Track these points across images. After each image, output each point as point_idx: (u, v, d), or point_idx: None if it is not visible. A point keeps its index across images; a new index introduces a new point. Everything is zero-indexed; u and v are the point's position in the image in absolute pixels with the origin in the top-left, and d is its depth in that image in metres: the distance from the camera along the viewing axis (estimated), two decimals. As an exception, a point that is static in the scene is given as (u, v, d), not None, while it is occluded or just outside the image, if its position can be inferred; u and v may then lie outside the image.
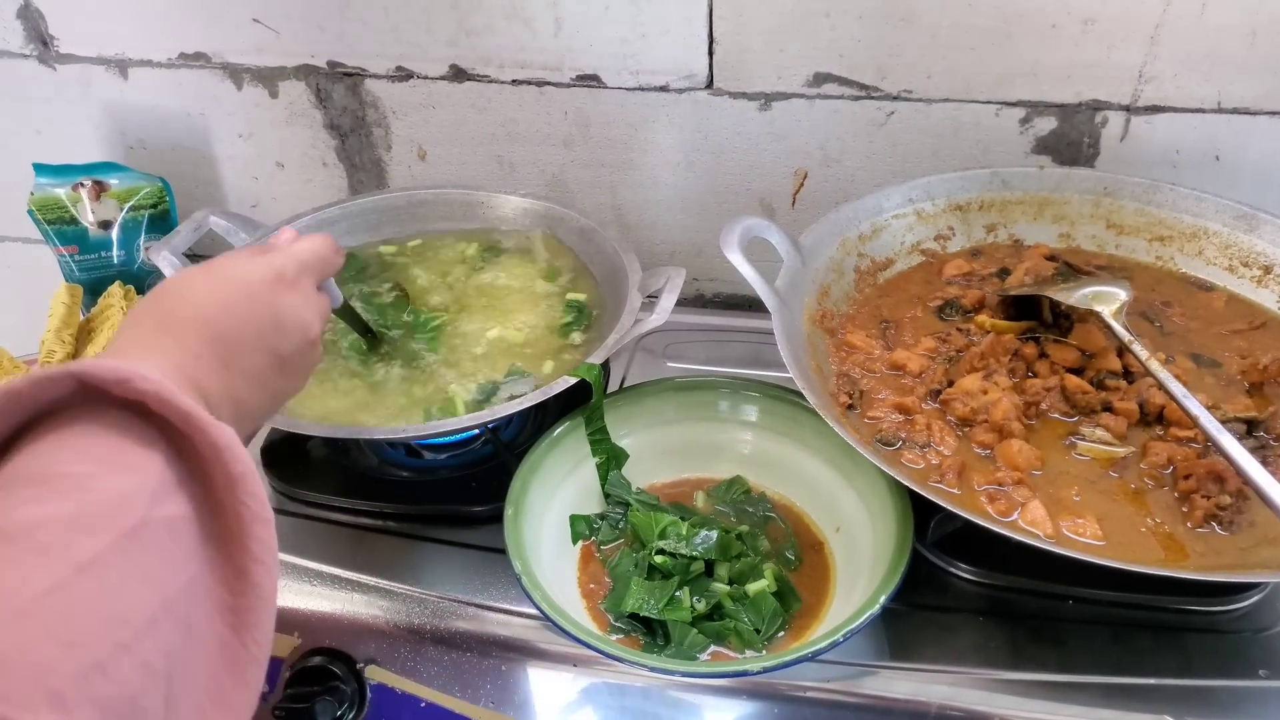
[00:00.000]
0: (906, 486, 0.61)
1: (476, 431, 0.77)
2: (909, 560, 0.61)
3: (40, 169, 1.01)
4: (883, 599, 0.59)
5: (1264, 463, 0.59)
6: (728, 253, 0.72)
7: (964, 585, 0.69)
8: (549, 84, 0.97)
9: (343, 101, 1.03)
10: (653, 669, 0.60)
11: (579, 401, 0.74)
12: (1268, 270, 0.81)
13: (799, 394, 0.66)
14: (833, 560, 0.70)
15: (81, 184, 1.01)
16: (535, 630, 0.66)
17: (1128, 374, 0.72)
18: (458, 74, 0.98)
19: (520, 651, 0.66)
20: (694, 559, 0.66)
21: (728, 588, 0.66)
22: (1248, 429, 0.68)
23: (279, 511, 0.70)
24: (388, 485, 0.80)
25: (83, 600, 0.34)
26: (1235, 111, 0.86)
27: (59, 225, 1.01)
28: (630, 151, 0.99)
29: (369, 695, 0.68)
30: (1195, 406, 0.62)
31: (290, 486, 0.78)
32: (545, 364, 0.79)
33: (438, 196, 0.96)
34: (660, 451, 0.77)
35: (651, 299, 0.77)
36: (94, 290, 0.99)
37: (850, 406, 0.71)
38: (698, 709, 0.64)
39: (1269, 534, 0.61)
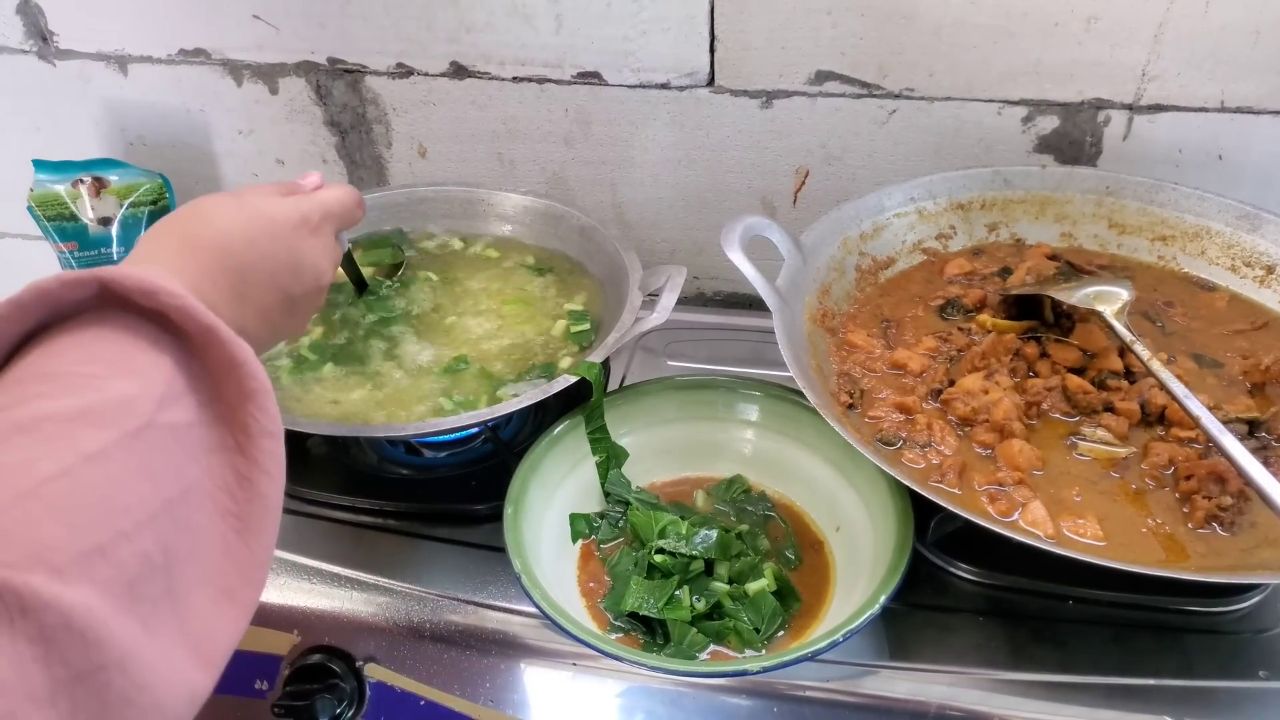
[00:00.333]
0: (907, 486, 0.61)
1: (476, 430, 0.77)
2: (909, 560, 0.61)
3: (40, 165, 1.01)
4: (883, 599, 0.59)
5: (1265, 464, 0.59)
6: (728, 251, 0.72)
7: (964, 585, 0.69)
8: (550, 81, 0.96)
9: (343, 98, 1.02)
10: (652, 668, 0.60)
11: (579, 400, 0.74)
12: (1270, 270, 0.80)
13: (799, 393, 0.66)
14: (833, 560, 0.70)
15: (81, 180, 1.01)
16: (534, 629, 0.66)
17: (1129, 374, 0.72)
18: (458, 71, 0.98)
19: (519, 650, 0.66)
20: (694, 558, 0.66)
21: (727, 587, 0.65)
22: (1249, 430, 0.67)
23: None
24: (387, 483, 0.79)
25: (87, 487, 0.35)
26: (1238, 111, 0.86)
27: (59, 222, 1.01)
28: (631, 149, 0.99)
29: (368, 693, 0.67)
30: (1197, 407, 0.62)
31: (290, 484, 0.76)
32: (546, 362, 0.79)
33: (438, 194, 0.96)
34: (660, 450, 0.77)
35: (652, 297, 0.76)
36: (94, 287, 0.98)
37: (851, 406, 0.71)
38: (697, 708, 0.64)
39: (1270, 535, 0.61)
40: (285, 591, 0.70)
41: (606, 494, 0.74)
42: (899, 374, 0.74)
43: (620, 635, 0.64)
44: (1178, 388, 0.64)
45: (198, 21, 1.00)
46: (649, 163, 1.00)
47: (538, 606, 0.60)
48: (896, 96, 0.91)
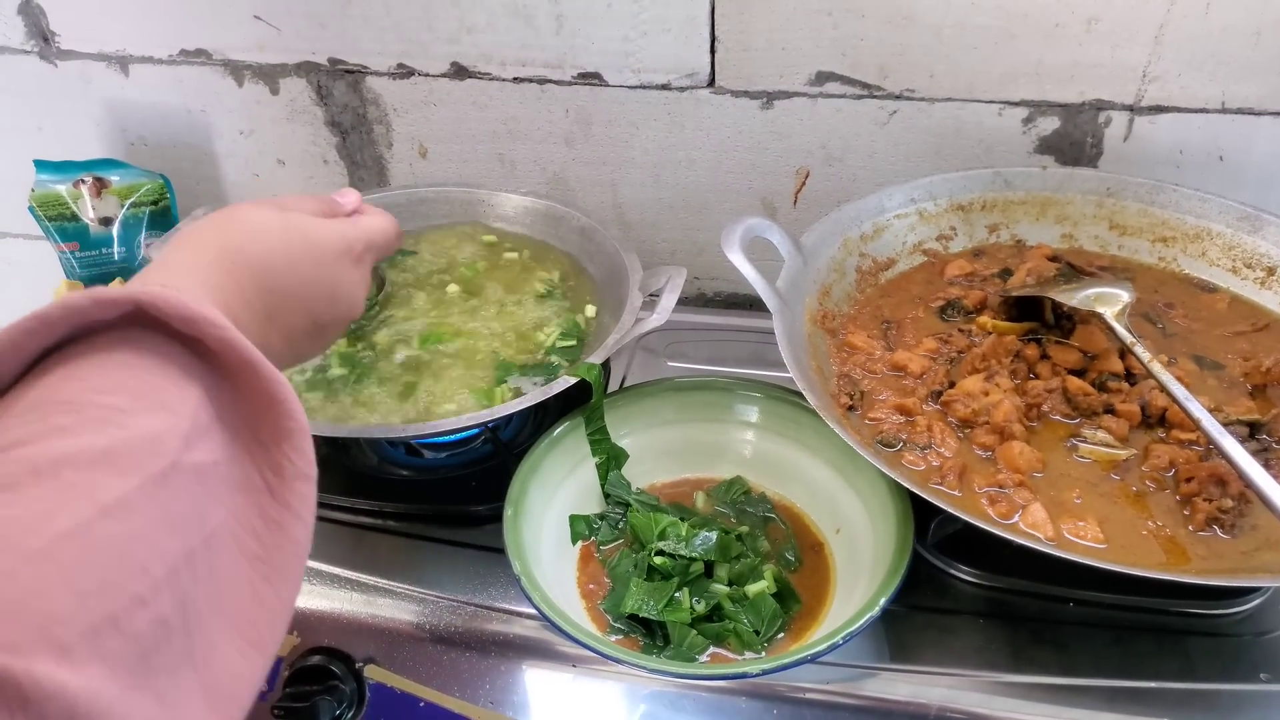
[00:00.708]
0: (907, 488, 0.61)
1: (476, 431, 0.77)
2: (909, 562, 0.61)
3: (41, 165, 1.01)
4: (883, 601, 0.59)
5: (1266, 466, 0.59)
6: (729, 252, 0.72)
7: (964, 587, 0.68)
8: (550, 82, 0.96)
9: (344, 99, 1.03)
10: (652, 670, 0.60)
11: (579, 401, 0.74)
12: (1271, 272, 0.80)
13: (800, 394, 0.66)
14: (833, 562, 0.70)
15: (82, 180, 1.01)
16: (534, 630, 0.66)
17: (1130, 376, 0.72)
18: (459, 71, 0.98)
19: (519, 652, 0.66)
20: (693, 560, 0.66)
21: (727, 589, 0.65)
22: (1250, 432, 0.67)
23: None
24: (387, 484, 0.79)
25: (103, 545, 0.33)
26: (1239, 112, 0.86)
27: (60, 222, 1.01)
28: (632, 150, 0.99)
29: (368, 695, 0.67)
30: (1197, 409, 0.62)
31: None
32: (545, 363, 0.79)
33: (439, 194, 0.96)
34: (660, 452, 0.77)
35: (653, 298, 0.76)
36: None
37: (851, 407, 0.71)
38: (697, 710, 0.64)
39: (1271, 537, 0.61)
40: (285, 592, 0.70)
41: (606, 495, 0.74)
42: (899, 375, 0.74)
43: (620, 637, 0.64)
44: (1178, 390, 0.64)
45: (199, 22, 1.00)
46: (649, 163, 1.00)
47: (537, 608, 0.60)
48: (897, 97, 0.91)
